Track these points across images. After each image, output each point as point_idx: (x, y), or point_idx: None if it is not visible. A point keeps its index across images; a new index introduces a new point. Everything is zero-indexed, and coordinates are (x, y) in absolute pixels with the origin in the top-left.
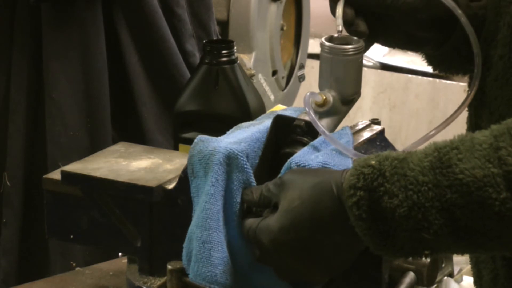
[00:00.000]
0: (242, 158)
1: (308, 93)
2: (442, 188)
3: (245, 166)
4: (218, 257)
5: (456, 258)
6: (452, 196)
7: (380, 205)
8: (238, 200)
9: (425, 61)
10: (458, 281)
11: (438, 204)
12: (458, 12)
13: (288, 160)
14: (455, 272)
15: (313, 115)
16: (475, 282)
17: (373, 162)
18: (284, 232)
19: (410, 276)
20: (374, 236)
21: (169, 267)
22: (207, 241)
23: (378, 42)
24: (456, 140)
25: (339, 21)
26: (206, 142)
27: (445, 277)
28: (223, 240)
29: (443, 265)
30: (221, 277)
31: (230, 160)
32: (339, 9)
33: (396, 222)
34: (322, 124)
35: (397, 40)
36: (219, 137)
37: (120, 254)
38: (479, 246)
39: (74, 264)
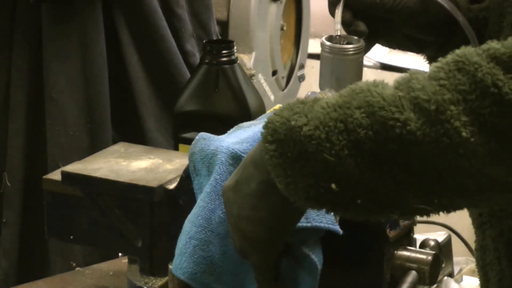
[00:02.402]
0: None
1: (309, 93)
2: (350, 109)
3: None
4: (201, 256)
5: (456, 258)
6: (359, 116)
7: (289, 124)
8: None
9: (427, 62)
10: (458, 281)
11: (341, 125)
12: (458, 14)
13: None
14: (455, 272)
15: None
16: (482, 286)
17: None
18: (229, 179)
19: (412, 275)
20: (279, 160)
21: (170, 267)
22: (193, 237)
23: (378, 43)
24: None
25: (338, 25)
26: (208, 141)
27: (445, 277)
28: (212, 240)
29: (443, 265)
30: (201, 275)
31: (233, 160)
32: (338, 13)
33: (302, 143)
34: None
35: (398, 42)
36: (221, 136)
37: (120, 254)
38: (384, 175)
39: (74, 264)
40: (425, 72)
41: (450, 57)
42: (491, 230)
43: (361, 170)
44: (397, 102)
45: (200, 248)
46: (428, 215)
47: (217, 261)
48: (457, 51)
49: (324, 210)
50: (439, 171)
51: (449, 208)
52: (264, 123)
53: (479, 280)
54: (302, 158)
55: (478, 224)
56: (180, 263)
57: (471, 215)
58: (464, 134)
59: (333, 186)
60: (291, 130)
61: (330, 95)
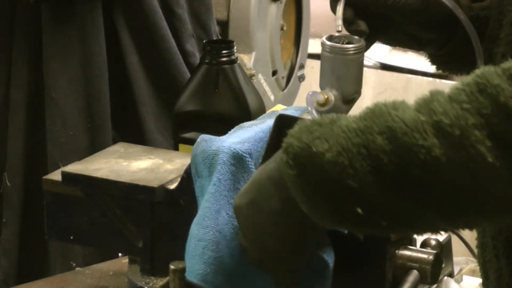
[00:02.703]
0: (247, 159)
1: (310, 93)
2: (371, 134)
3: (249, 166)
4: (212, 256)
5: (456, 258)
6: (381, 143)
7: (310, 150)
8: None
9: (428, 60)
10: (458, 281)
11: (364, 151)
12: (459, 12)
13: None
14: (455, 272)
15: (315, 114)
16: (483, 284)
17: (314, 118)
18: (240, 196)
19: (414, 275)
20: (302, 186)
21: (171, 267)
22: (202, 239)
23: (379, 41)
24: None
25: (339, 21)
26: (209, 142)
27: (445, 277)
28: (220, 240)
29: (443, 265)
30: (212, 276)
31: (235, 160)
32: (339, 9)
33: (324, 169)
34: None
35: (399, 39)
36: (222, 137)
37: (120, 254)
38: (406, 199)
39: (74, 264)
40: (445, 93)
41: (470, 78)
42: (490, 228)
43: (384, 194)
44: (419, 127)
45: (209, 248)
46: (451, 232)
47: (227, 261)
48: (477, 71)
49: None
50: (462, 193)
51: (472, 226)
52: (282, 147)
53: (481, 278)
54: (326, 184)
55: None
56: (192, 266)
57: None
58: (489, 159)
59: (358, 210)
60: (313, 156)
61: (347, 116)
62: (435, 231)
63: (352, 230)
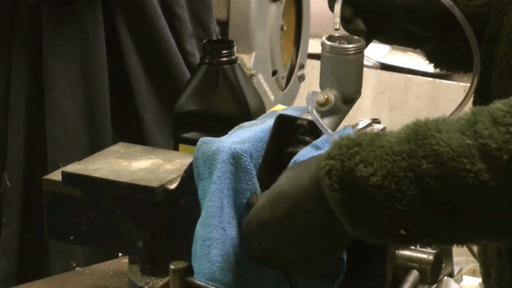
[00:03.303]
0: (245, 158)
1: (310, 92)
2: (417, 158)
3: (248, 166)
4: (217, 254)
5: (456, 258)
6: (427, 167)
7: (354, 174)
8: (240, 201)
9: (425, 58)
10: (458, 281)
11: (411, 175)
12: (456, 10)
13: (292, 160)
14: (455, 272)
15: (316, 114)
16: (484, 281)
17: (352, 136)
18: (265, 210)
19: (414, 275)
20: (347, 209)
21: (171, 267)
22: (207, 238)
23: (377, 39)
24: (436, 117)
25: (337, 19)
26: (210, 144)
27: (445, 277)
28: (224, 238)
29: (443, 265)
30: (219, 274)
31: (234, 160)
32: (337, 7)
33: (370, 193)
34: (324, 123)
35: (396, 37)
36: (222, 138)
37: (120, 254)
38: (453, 221)
39: (74, 264)
40: (488, 113)
41: None
42: None
43: (430, 217)
44: (466, 152)
45: (214, 247)
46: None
47: (233, 259)
48: None
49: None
50: (508, 215)
51: (510, 242)
52: (325, 169)
53: (482, 276)
54: (370, 207)
55: None
56: (199, 266)
57: None
58: None
59: (402, 232)
60: (358, 180)
61: (386, 135)
62: (473, 244)
63: (395, 247)
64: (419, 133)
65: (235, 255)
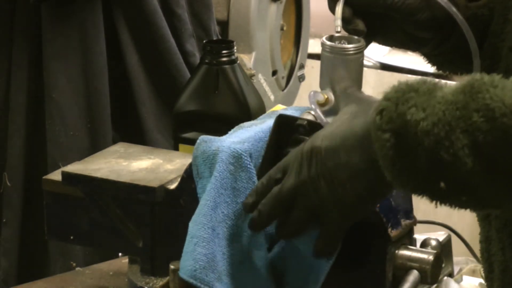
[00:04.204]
0: (245, 158)
1: (312, 92)
2: (469, 110)
3: (248, 166)
4: (201, 252)
5: (456, 258)
6: (477, 120)
7: (405, 117)
8: (241, 200)
9: (425, 59)
10: (458, 281)
11: (463, 125)
12: (455, 12)
13: None
14: (455, 272)
15: (319, 113)
16: (486, 278)
17: (411, 82)
18: (319, 138)
19: (414, 275)
20: (391, 152)
21: (171, 267)
22: (194, 235)
23: (376, 41)
24: (494, 74)
25: (338, 21)
26: (209, 142)
27: (445, 277)
28: (212, 238)
29: (443, 265)
30: (200, 272)
31: (234, 160)
32: (339, 9)
33: (417, 138)
34: (325, 123)
35: (396, 39)
36: (222, 137)
37: (120, 254)
38: (496, 179)
39: (74, 264)
40: None
41: None
42: (496, 221)
43: (474, 172)
44: None
45: (200, 245)
46: None
47: (218, 259)
48: None
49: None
50: None
51: None
52: (376, 109)
53: (484, 273)
54: (414, 153)
55: (484, 216)
56: (183, 262)
57: None
58: None
59: (442, 184)
60: (407, 124)
61: (444, 86)
62: (507, 212)
63: (428, 200)
64: (474, 87)
65: (223, 255)
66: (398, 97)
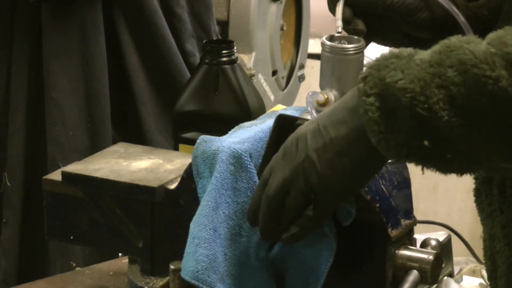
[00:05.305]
0: (245, 158)
1: (310, 93)
2: (444, 66)
3: (248, 165)
4: (203, 253)
5: (456, 258)
6: (451, 74)
7: (385, 80)
8: (242, 200)
9: None
10: (458, 281)
11: (438, 81)
12: (456, 12)
13: None
14: (455, 272)
15: (315, 115)
16: (490, 277)
17: (395, 50)
18: (314, 120)
19: (414, 275)
20: (375, 115)
21: (171, 267)
22: (196, 236)
23: (375, 41)
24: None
25: (339, 22)
26: (209, 142)
27: (445, 277)
28: (214, 238)
29: (443, 265)
30: (202, 273)
31: (234, 160)
32: (339, 10)
33: (396, 97)
34: None
35: (395, 39)
36: (222, 137)
37: (120, 254)
38: (472, 130)
39: (74, 264)
40: None
41: None
42: (501, 217)
43: (452, 125)
44: (488, 59)
45: (201, 246)
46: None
47: (219, 260)
48: None
49: (413, 164)
50: None
51: None
52: (361, 78)
53: (486, 272)
54: (396, 113)
55: (488, 213)
56: (185, 263)
57: (479, 206)
58: None
59: (426, 142)
60: (387, 86)
61: (424, 51)
62: (498, 172)
63: (416, 164)
64: (450, 46)
65: (224, 256)
66: (380, 63)
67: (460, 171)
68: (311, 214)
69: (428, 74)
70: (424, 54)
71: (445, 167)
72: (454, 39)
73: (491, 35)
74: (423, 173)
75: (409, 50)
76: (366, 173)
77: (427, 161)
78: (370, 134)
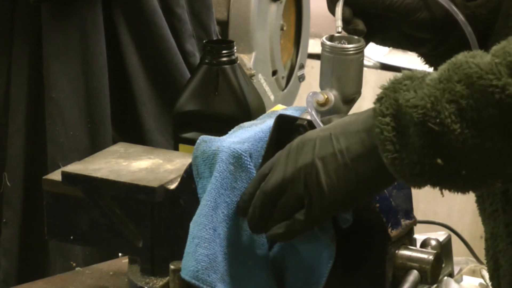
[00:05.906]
0: (245, 158)
1: (310, 93)
2: (452, 82)
3: (248, 166)
4: (203, 253)
5: (456, 258)
6: (460, 89)
7: (398, 101)
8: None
9: (424, 61)
10: (458, 281)
11: (448, 96)
12: (456, 12)
13: None
14: (455, 272)
15: (315, 116)
16: (492, 276)
17: (408, 72)
18: (326, 128)
19: (414, 275)
20: (390, 134)
21: (171, 267)
22: (196, 236)
23: (374, 41)
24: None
25: (339, 22)
26: (209, 142)
27: (445, 277)
28: (214, 238)
29: (443, 265)
30: (202, 273)
31: (234, 160)
32: (339, 10)
33: (408, 115)
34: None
35: (394, 39)
36: (222, 137)
37: (120, 254)
38: (484, 141)
39: (74, 264)
40: None
41: None
42: (503, 216)
43: (464, 137)
44: (494, 69)
45: (201, 245)
46: None
47: (219, 260)
48: None
49: (428, 185)
50: None
51: None
52: (376, 99)
53: (488, 271)
54: (409, 131)
55: (490, 213)
56: (185, 263)
57: (480, 206)
58: None
59: (439, 160)
60: (401, 106)
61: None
62: (510, 181)
63: (432, 185)
64: (456, 63)
65: (224, 255)
66: (395, 84)
67: (476, 187)
68: (302, 218)
69: (438, 90)
70: (433, 74)
71: (460, 184)
72: (460, 56)
73: (495, 47)
74: (442, 196)
75: (422, 71)
76: (368, 191)
77: (441, 180)
78: (384, 154)
